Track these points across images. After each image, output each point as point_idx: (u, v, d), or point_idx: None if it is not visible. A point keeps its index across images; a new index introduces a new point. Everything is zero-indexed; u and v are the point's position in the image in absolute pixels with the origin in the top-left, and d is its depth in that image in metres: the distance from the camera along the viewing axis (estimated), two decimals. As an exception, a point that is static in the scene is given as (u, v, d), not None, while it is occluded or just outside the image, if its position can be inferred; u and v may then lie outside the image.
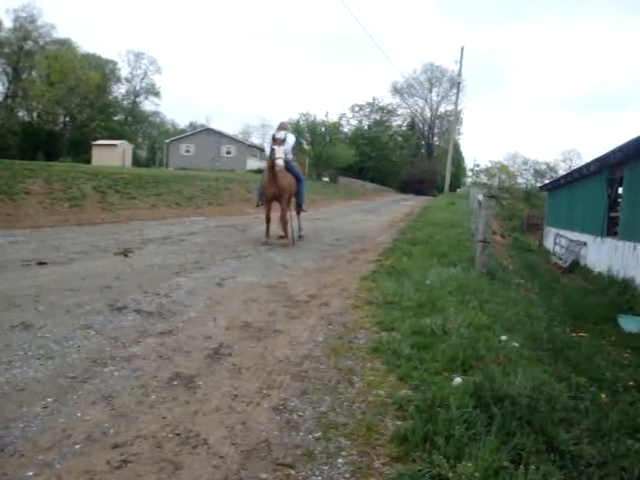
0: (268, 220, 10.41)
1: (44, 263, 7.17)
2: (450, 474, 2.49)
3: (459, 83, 59.61)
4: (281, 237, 10.86)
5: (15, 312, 4.88)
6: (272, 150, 10.00)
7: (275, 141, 9.91)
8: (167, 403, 3.26)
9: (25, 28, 66.54)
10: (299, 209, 11.26)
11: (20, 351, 3.94)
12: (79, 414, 3.05)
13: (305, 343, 4.53)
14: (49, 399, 3.22)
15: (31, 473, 2.48)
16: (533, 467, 2.55)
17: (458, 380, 3.52)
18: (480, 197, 10.00)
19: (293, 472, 2.62)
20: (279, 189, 10.18)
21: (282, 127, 10.62)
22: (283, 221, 10.66)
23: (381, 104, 77.28)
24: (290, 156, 10.44)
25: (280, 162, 9.76)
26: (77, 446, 2.73)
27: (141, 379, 3.58)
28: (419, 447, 2.81)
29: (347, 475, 2.63)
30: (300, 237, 11.42)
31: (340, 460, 2.75)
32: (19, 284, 5.94)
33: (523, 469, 2.51)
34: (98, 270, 6.91)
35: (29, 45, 67.57)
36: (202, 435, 2.90)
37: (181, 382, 3.57)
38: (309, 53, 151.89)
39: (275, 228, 10.92)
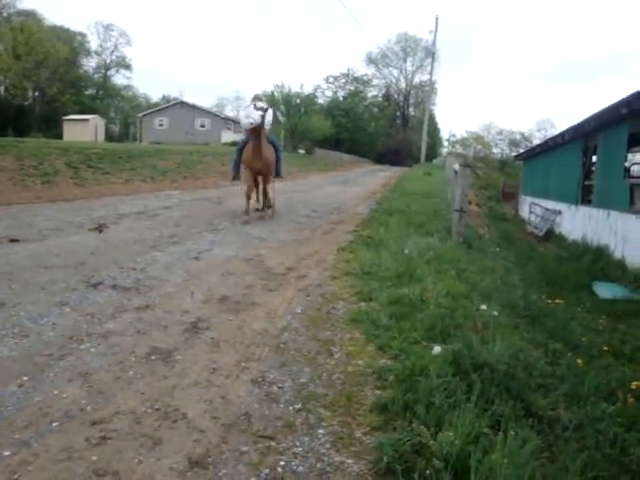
0: (249, 196, 10.09)
1: (17, 240, 7.03)
2: (431, 442, 2.50)
3: (434, 53, 59.34)
4: (257, 210, 10.71)
5: (-13, 291, 4.78)
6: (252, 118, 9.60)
7: (257, 109, 9.52)
8: (145, 378, 3.23)
9: (-12, -1, 64.63)
10: (277, 176, 10.97)
11: (-6, 330, 3.87)
12: (56, 392, 3.02)
13: (283, 315, 4.52)
14: (25, 377, 3.17)
15: (8, 452, 2.45)
16: (512, 433, 2.57)
17: (437, 349, 3.53)
18: (456, 167, 10.02)
19: (274, 444, 2.63)
20: (264, 163, 9.97)
21: (257, 98, 10.27)
22: (264, 195, 10.52)
23: (356, 75, 76.84)
24: (268, 127, 10.14)
25: (249, 121, 9.54)
26: (54, 424, 2.70)
27: (118, 355, 3.55)
28: (399, 416, 2.82)
29: (328, 445, 2.64)
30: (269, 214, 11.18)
31: (321, 431, 2.76)
32: (-9, 262, 5.82)
33: (502, 435, 2.53)
34: (72, 246, 6.79)
35: (-7, 18, 65.68)
36: (181, 409, 2.88)
37: (159, 357, 3.54)
38: (283, 23, 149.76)
39: (253, 203, 10.70)
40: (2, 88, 65.44)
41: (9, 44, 58.04)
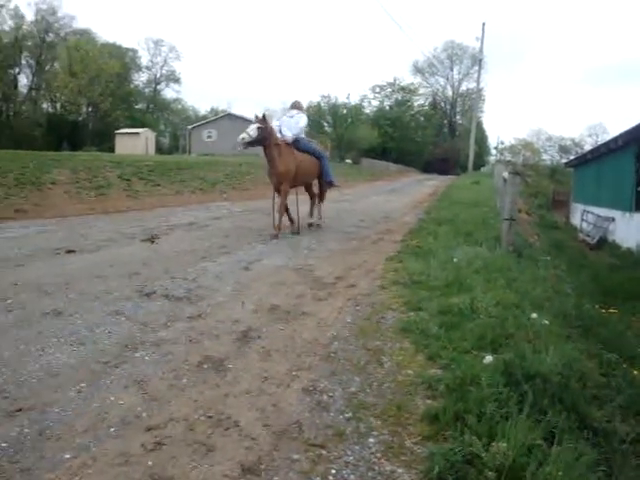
0: (277, 210, 9.41)
1: (73, 251, 7.27)
2: (483, 453, 2.48)
3: (481, 60, 58.49)
4: (292, 223, 9.98)
5: (47, 299, 4.96)
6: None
7: (255, 122, 8.98)
8: (198, 386, 3.29)
9: (46, 20, 67.06)
10: (329, 185, 10.52)
11: (53, 338, 4.01)
12: (112, 398, 3.11)
13: (333, 324, 4.53)
14: (83, 384, 3.28)
15: (68, 455, 2.54)
16: (567, 445, 2.52)
17: (489, 358, 3.50)
18: (505, 175, 9.88)
19: (325, 452, 2.64)
20: (281, 175, 9.18)
21: (294, 106, 10.17)
22: (281, 211, 9.31)
23: (402, 84, 76.82)
24: (302, 135, 9.92)
25: (244, 136, 8.70)
26: (112, 429, 2.78)
27: (172, 363, 3.63)
28: (450, 426, 2.80)
29: (379, 455, 2.64)
30: (318, 225, 10.70)
31: (371, 440, 2.76)
32: (50, 272, 6.03)
33: (557, 447, 2.49)
34: (126, 257, 6.98)
35: (50, 37, 68.13)
36: (234, 417, 2.93)
37: (211, 365, 3.60)
38: (330, 34, 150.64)
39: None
40: (58, 105, 67.85)
41: (65, 63, 60.19)
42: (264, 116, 9.16)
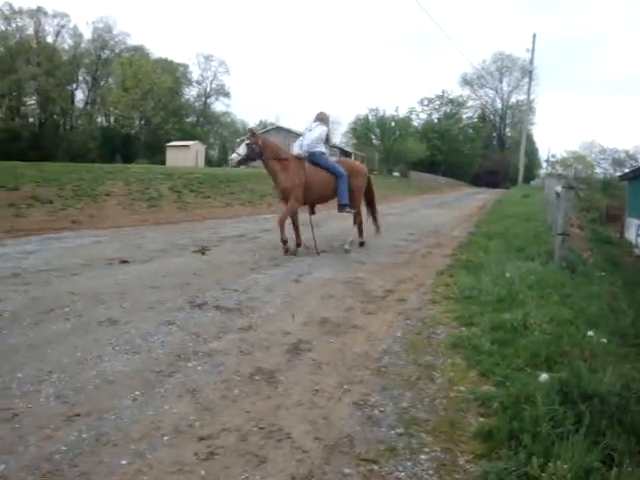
0: (295, 225, 9.00)
1: (126, 261, 7.43)
2: (540, 474, 2.42)
3: (531, 71, 57.81)
4: (299, 245, 9.07)
5: (102, 308, 5.09)
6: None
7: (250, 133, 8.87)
8: (250, 397, 3.32)
9: (102, 38, 69.75)
10: (341, 209, 9.26)
11: (108, 346, 4.10)
12: (166, 407, 3.16)
13: (383, 338, 4.52)
14: (137, 392, 3.34)
15: (124, 462, 2.59)
16: (627, 469, 2.45)
17: (544, 376, 3.42)
18: (558, 189, 9.69)
19: (376, 467, 2.63)
20: (282, 192, 8.82)
21: (317, 118, 9.43)
22: (281, 226, 8.57)
23: (451, 96, 76.33)
24: (319, 148, 9.06)
25: (233, 156, 8.68)
26: (166, 437, 2.82)
27: (223, 374, 3.67)
28: (504, 445, 2.75)
29: (431, 472, 2.61)
30: (361, 244, 9.86)
31: (423, 456, 2.74)
32: (104, 282, 6.18)
33: (616, 470, 2.42)
34: (177, 268, 7.10)
35: (106, 54, 70.75)
36: (285, 429, 2.94)
37: (262, 377, 3.63)
38: (376, 48, 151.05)
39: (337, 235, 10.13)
40: (112, 119, 69.94)
41: (119, 78, 62.12)
42: (252, 131, 9.03)
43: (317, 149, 9.06)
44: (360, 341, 4.44)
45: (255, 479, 2.50)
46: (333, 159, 9.74)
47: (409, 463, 2.67)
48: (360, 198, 9.70)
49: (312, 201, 9.26)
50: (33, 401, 3.17)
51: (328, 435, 2.91)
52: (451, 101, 76.57)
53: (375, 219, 10.32)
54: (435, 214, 18.99)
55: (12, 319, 4.69)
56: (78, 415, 3.01)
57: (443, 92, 76.41)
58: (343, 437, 2.89)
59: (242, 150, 8.54)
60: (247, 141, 8.61)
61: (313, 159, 9.01)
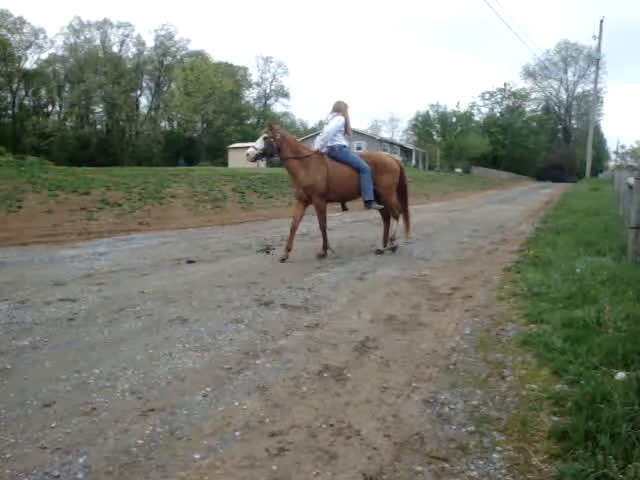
0: (293, 227, 8.13)
1: (193, 261, 7.60)
2: (620, 476, 2.34)
3: (598, 60, 55.63)
4: (323, 252, 8.31)
5: (172, 307, 5.22)
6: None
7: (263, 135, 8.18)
8: (318, 394, 3.33)
9: (164, 45, 71.78)
10: (367, 206, 8.54)
11: (179, 343, 4.20)
12: (236, 403, 3.20)
13: (451, 336, 4.46)
14: (208, 388, 3.40)
15: (198, 456, 2.64)
16: None
17: (621, 375, 3.30)
18: (630, 180, 9.34)
19: (448, 466, 2.59)
20: (304, 191, 8.16)
21: (335, 108, 8.65)
22: (323, 230, 8.29)
23: (513, 89, 74.75)
24: (338, 141, 8.36)
25: (249, 151, 8.07)
26: (237, 433, 2.86)
27: (292, 371, 3.70)
28: (580, 445, 2.66)
29: (504, 471, 2.56)
30: (393, 248, 8.85)
31: (495, 455, 2.68)
32: (173, 281, 6.34)
33: None
34: (243, 267, 7.22)
35: (168, 60, 72.69)
36: (355, 426, 2.94)
37: (331, 374, 3.64)
38: (436, 42, 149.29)
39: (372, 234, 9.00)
40: (175, 123, 71.74)
41: (181, 83, 63.66)
42: (270, 124, 8.44)
43: (336, 142, 8.37)
44: (427, 338, 4.40)
45: (326, 475, 2.50)
46: (360, 151, 9.04)
47: (481, 462, 2.62)
48: (389, 195, 8.73)
49: (335, 199, 8.59)
50: (110, 396, 3.28)
51: (398, 432, 2.89)
52: (513, 94, 75.14)
53: (406, 218, 9.26)
54: (500, 209, 18.64)
55: (87, 318, 4.87)
56: (152, 410, 3.10)
57: (505, 85, 75.19)
58: (413, 434, 2.87)
59: (259, 144, 8.04)
60: (265, 135, 8.11)
61: (333, 154, 8.34)
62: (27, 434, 2.81)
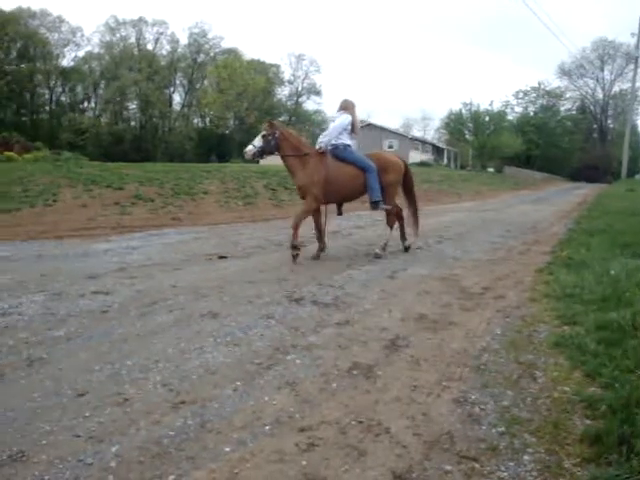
0: (316, 227, 8.22)
1: (225, 257, 7.66)
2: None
3: (637, 57, 54.37)
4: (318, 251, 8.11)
5: (203, 302, 5.27)
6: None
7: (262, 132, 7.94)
8: (348, 391, 3.34)
9: (198, 42, 72.51)
10: (374, 207, 8.11)
11: (210, 338, 4.24)
12: (266, 398, 3.22)
13: (482, 336, 4.42)
14: (238, 383, 3.43)
15: (228, 449, 2.67)
16: None
17: (657, 379, 3.25)
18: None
19: (478, 466, 2.58)
20: (298, 190, 8.09)
21: (341, 106, 8.37)
22: (294, 227, 7.75)
23: (547, 88, 73.70)
24: (343, 140, 8.01)
25: (247, 149, 7.86)
26: (267, 427, 2.88)
27: (322, 367, 3.70)
28: (614, 450, 2.62)
29: (535, 473, 2.53)
30: (406, 248, 8.68)
31: (526, 457, 2.65)
32: (205, 276, 6.40)
33: None
34: (274, 263, 7.25)
35: (201, 57, 73.41)
36: (384, 424, 2.93)
37: (360, 371, 3.64)
38: (469, 40, 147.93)
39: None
40: (207, 120, 72.41)
41: (214, 80, 64.24)
42: (269, 121, 8.15)
43: (340, 141, 8.01)
44: (458, 338, 4.37)
45: (355, 472, 2.50)
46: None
47: (512, 463, 2.60)
48: (392, 195, 8.38)
49: (337, 199, 8.23)
50: (142, 387, 3.33)
51: (427, 431, 2.88)
52: (548, 93, 74.08)
53: (414, 221, 8.86)
54: (532, 210, 18.41)
55: (120, 310, 4.94)
56: (183, 402, 3.13)
57: (539, 84, 74.10)
58: (443, 434, 2.85)
59: (258, 142, 7.79)
60: (263, 132, 7.87)
61: (336, 153, 8.00)
62: (62, 422, 2.88)
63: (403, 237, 8.74)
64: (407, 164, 8.82)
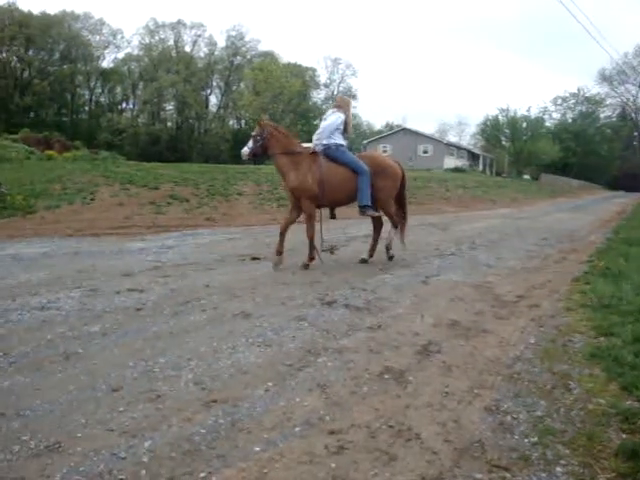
0: (281, 232, 7.60)
1: (257, 258, 7.71)
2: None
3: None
4: (308, 261, 7.53)
5: (236, 302, 5.31)
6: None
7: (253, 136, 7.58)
8: (379, 395, 3.32)
9: (235, 45, 73.33)
10: (362, 211, 7.67)
11: (242, 338, 4.27)
12: (297, 399, 3.23)
13: (516, 344, 4.36)
14: (269, 383, 3.44)
15: (258, 448, 2.68)
16: None
17: (697, 394, 3.17)
18: None
19: (509, 475, 2.54)
20: (291, 192, 7.57)
21: (335, 104, 8.13)
22: (310, 236, 7.62)
23: (587, 94, 72.48)
24: (335, 140, 7.58)
25: (243, 150, 7.49)
26: (297, 429, 2.89)
27: (353, 371, 3.70)
28: (651, 466, 2.57)
29: (567, 486, 2.49)
30: (390, 258, 8.08)
31: (559, 469, 2.60)
32: (238, 277, 6.45)
33: None
34: (309, 266, 7.25)
35: (238, 60, 74.15)
36: (414, 429, 2.91)
37: (392, 376, 3.62)
38: (505, 46, 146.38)
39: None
40: (243, 122, 73.02)
41: (250, 83, 64.81)
42: (259, 122, 7.76)
43: (332, 141, 7.56)
44: (491, 346, 4.31)
45: (385, 476, 2.49)
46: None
47: (544, 474, 2.56)
48: (387, 200, 7.86)
49: (330, 203, 7.78)
50: (174, 385, 3.37)
51: (458, 438, 2.85)
52: (587, 99, 72.87)
53: (402, 226, 8.30)
54: (569, 218, 18.13)
55: (154, 308, 5.02)
56: (215, 401, 3.16)
57: (579, 90, 73.04)
58: (474, 442, 2.82)
59: (250, 144, 7.45)
60: (254, 133, 7.54)
61: (329, 153, 7.54)
62: (97, 416, 2.93)
63: (372, 250, 8.11)
64: (403, 169, 8.33)
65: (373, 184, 7.54)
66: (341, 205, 7.98)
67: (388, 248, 7.99)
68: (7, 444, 2.63)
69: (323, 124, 7.79)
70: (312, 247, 7.51)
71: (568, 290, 6.39)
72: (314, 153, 7.55)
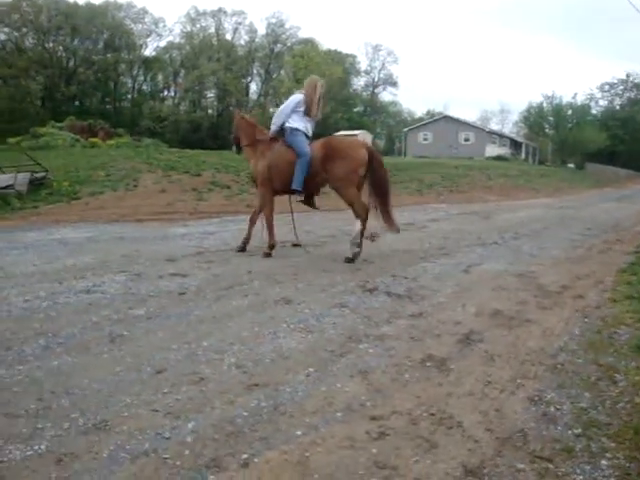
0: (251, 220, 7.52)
1: (298, 245, 7.73)
2: None
3: None
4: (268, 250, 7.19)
5: (277, 288, 5.36)
6: None
7: None
8: (420, 383, 3.32)
9: (275, 32, 73.49)
10: (290, 193, 7.33)
11: (283, 323, 4.31)
12: (338, 385, 3.25)
13: (560, 335, 4.29)
14: (311, 369, 3.47)
15: (300, 432, 2.71)
16: None
17: None
18: None
19: (552, 466, 2.51)
20: (252, 179, 7.61)
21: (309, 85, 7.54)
22: (251, 220, 7.49)
23: (636, 80, 70.39)
24: (291, 124, 7.19)
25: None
26: (338, 414, 2.90)
27: (394, 358, 3.70)
28: (701, 465, 2.51)
29: (612, 479, 2.45)
30: (353, 255, 6.95)
31: (604, 462, 2.56)
32: (279, 263, 6.52)
33: None
34: (347, 253, 7.22)
35: (278, 47, 74.30)
36: (456, 417, 2.90)
37: (433, 364, 3.61)
38: (551, 30, 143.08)
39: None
40: (283, 109, 73.25)
41: (290, 70, 64.90)
42: (236, 111, 7.38)
43: (288, 124, 7.20)
44: (534, 336, 4.26)
45: (426, 463, 2.49)
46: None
47: (588, 467, 2.52)
48: (344, 187, 7.03)
49: (281, 188, 7.29)
50: (217, 368, 3.42)
51: (500, 427, 2.83)
52: (636, 86, 70.78)
53: (387, 216, 7.24)
54: (615, 208, 17.73)
55: (197, 293, 5.09)
56: (257, 385, 3.20)
57: (627, 76, 70.87)
58: (516, 431, 2.80)
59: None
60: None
61: (285, 137, 7.25)
62: (142, 397, 3.00)
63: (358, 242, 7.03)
64: (373, 150, 7.29)
65: (328, 170, 6.97)
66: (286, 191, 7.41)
67: (353, 243, 6.99)
68: (57, 421, 2.71)
69: (281, 107, 7.55)
70: (271, 235, 7.25)
71: (613, 281, 6.26)
72: (274, 139, 7.34)
